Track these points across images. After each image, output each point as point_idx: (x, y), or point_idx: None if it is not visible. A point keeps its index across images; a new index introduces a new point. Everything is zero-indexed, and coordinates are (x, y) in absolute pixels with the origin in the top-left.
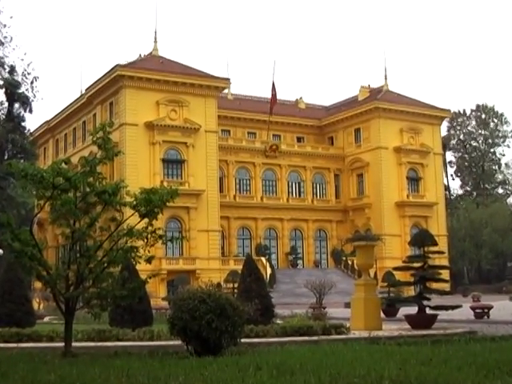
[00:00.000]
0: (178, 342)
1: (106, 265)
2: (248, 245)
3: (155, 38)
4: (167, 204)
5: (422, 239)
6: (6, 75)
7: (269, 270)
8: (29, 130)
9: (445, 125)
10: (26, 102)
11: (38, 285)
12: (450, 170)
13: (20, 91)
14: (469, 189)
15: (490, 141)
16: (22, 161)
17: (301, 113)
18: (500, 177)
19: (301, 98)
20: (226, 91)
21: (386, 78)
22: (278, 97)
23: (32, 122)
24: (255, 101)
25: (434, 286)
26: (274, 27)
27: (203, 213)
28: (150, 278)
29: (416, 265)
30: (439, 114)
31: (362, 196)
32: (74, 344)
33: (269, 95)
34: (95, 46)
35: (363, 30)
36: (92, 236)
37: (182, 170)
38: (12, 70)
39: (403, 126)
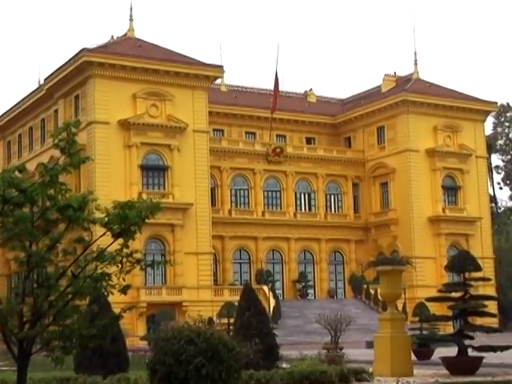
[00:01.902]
0: None
1: (70, 297)
2: (246, 270)
3: (131, 16)
4: (147, 221)
5: (461, 263)
6: None
7: (272, 302)
8: None
9: (490, 121)
10: None
11: None
12: (497, 177)
13: None
14: None
15: None
16: None
17: (311, 108)
18: None
19: (311, 89)
20: (218, 82)
21: (415, 64)
22: (284, 88)
23: None
24: (255, 93)
25: (478, 321)
26: (277, 3)
27: (191, 231)
28: (126, 312)
29: (455, 295)
30: (483, 108)
31: (387, 210)
32: None
33: (271, 86)
34: (57, 27)
35: (386, 3)
36: (53, 261)
37: (165, 179)
38: None
39: (438, 123)
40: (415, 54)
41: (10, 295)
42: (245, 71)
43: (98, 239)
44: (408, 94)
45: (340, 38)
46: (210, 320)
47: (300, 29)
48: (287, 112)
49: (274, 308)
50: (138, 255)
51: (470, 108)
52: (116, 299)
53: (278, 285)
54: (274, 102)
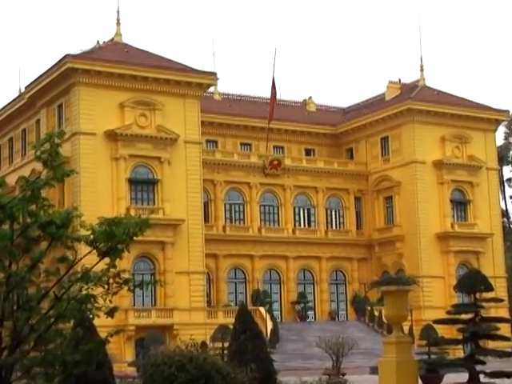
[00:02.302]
0: None
1: (52, 320)
2: (242, 291)
3: (118, 20)
4: (135, 238)
5: (472, 283)
6: None
7: (270, 325)
8: None
9: (501, 131)
10: None
11: None
12: (509, 191)
13: None
14: None
15: None
16: None
17: (310, 117)
18: None
19: (310, 98)
20: (211, 90)
21: (422, 70)
22: (281, 97)
23: None
24: (251, 102)
25: (491, 345)
26: (274, 7)
27: (183, 249)
28: (112, 336)
29: (465, 317)
30: (494, 117)
31: (392, 226)
32: None
33: (268, 94)
34: (39, 31)
35: (390, 6)
36: (34, 282)
37: (155, 194)
38: None
39: (446, 132)
40: (421, 59)
41: None
42: (240, 78)
43: (82, 258)
44: (414, 102)
45: (341, 43)
46: (203, 344)
47: (298, 33)
48: (285, 122)
49: (271, 331)
50: (125, 275)
51: (480, 117)
52: (102, 322)
53: (275, 306)
54: (270, 111)
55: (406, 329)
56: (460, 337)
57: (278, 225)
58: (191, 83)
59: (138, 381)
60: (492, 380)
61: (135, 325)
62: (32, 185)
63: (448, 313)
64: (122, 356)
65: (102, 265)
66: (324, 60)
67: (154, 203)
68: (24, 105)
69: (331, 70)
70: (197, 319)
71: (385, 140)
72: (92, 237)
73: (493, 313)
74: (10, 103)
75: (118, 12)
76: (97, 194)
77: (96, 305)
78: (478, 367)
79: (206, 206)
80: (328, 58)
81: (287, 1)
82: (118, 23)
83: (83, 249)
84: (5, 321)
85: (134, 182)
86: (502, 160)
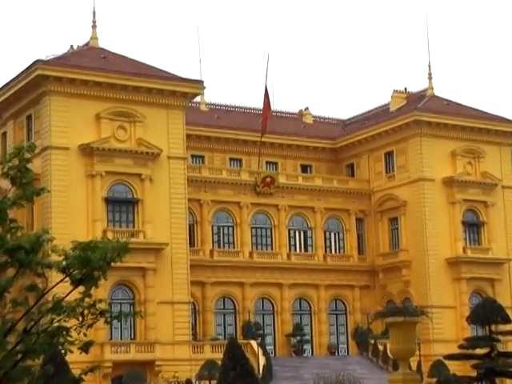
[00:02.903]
0: None
1: (20, 356)
2: (231, 322)
3: (94, 22)
4: (113, 264)
5: (487, 313)
6: None
7: (262, 360)
8: None
9: None
10: None
11: None
12: None
13: None
14: None
15: None
16: None
17: (307, 130)
18: None
19: (307, 108)
20: (198, 100)
21: (430, 78)
22: (276, 107)
23: None
24: (241, 113)
25: (508, 383)
26: (267, 8)
27: (166, 277)
28: (87, 373)
29: (479, 351)
30: (510, 130)
31: (398, 250)
32: None
33: (260, 105)
34: (6, 35)
35: (394, 10)
36: (0, 313)
37: (135, 215)
38: None
39: (456, 147)
40: (429, 66)
41: None
42: (229, 88)
43: (54, 287)
44: (421, 113)
45: (340, 49)
46: (188, 382)
47: (293, 38)
48: (279, 135)
49: (264, 367)
50: (102, 306)
51: (494, 129)
52: (75, 358)
53: (268, 339)
54: (263, 123)
55: (413, 365)
56: (474, 374)
57: (272, 249)
58: (175, 92)
59: None
60: None
61: (112, 361)
62: None
63: (460, 347)
64: None
65: (76, 294)
66: (322, 68)
67: (133, 225)
68: None
69: (330, 78)
70: (181, 354)
71: (389, 155)
72: (65, 263)
73: (510, 347)
74: None
75: (94, 13)
76: (70, 215)
77: (69, 338)
78: None
79: (191, 228)
80: (326, 66)
81: (281, 2)
82: (94, 26)
83: (55, 276)
84: None
85: (111, 202)
86: None
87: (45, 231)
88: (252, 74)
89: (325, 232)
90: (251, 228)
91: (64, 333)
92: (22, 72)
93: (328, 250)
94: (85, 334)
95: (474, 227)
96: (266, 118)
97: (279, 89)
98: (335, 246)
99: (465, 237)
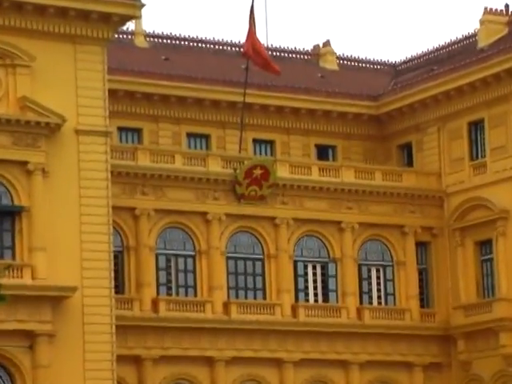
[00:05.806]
0: None
1: None
2: None
3: None
4: None
5: None
6: None
7: None
8: None
9: None
10: None
11: None
12: None
13: None
14: None
15: None
16: None
17: (328, 82)
18: None
19: (327, 43)
20: (131, 27)
21: None
22: (274, 43)
23: None
24: (206, 52)
25: None
26: None
27: (72, 348)
28: None
29: None
30: None
31: (492, 299)
32: None
33: (242, 38)
34: None
35: None
36: None
37: (15, 236)
38: None
39: None
40: None
41: None
42: (182, 12)
43: None
44: None
45: None
46: None
47: None
48: (278, 91)
49: None
50: None
51: None
52: None
53: None
54: (251, 53)
55: None
56: None
57: (263, 297)
58: (89, 14)
59: None
60: None
61: None
62: None
63: None
64: None
65: None
66: None
67: (12, 255)
68: None
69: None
70: None
71: (477, 127)
72: None
73: None
74: None
75: None
76: None
77: None
78: None
79: (118, 260)
80: None
81: None
82: None
83: None
84: None
85: None
86: None
87: None
88: None
89: (359, 266)
90: (227, 259)
91: None
92: None
93: (366, 298)
94: None
95: None
96: (249, 51)
97: (277, 18)
98: (378, 291)
99: None
